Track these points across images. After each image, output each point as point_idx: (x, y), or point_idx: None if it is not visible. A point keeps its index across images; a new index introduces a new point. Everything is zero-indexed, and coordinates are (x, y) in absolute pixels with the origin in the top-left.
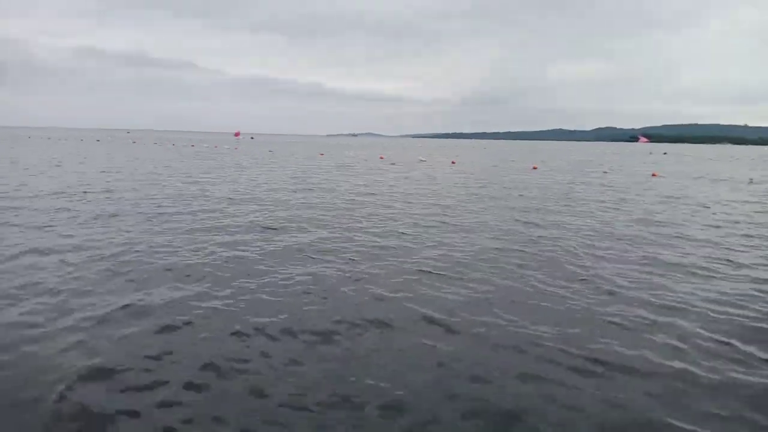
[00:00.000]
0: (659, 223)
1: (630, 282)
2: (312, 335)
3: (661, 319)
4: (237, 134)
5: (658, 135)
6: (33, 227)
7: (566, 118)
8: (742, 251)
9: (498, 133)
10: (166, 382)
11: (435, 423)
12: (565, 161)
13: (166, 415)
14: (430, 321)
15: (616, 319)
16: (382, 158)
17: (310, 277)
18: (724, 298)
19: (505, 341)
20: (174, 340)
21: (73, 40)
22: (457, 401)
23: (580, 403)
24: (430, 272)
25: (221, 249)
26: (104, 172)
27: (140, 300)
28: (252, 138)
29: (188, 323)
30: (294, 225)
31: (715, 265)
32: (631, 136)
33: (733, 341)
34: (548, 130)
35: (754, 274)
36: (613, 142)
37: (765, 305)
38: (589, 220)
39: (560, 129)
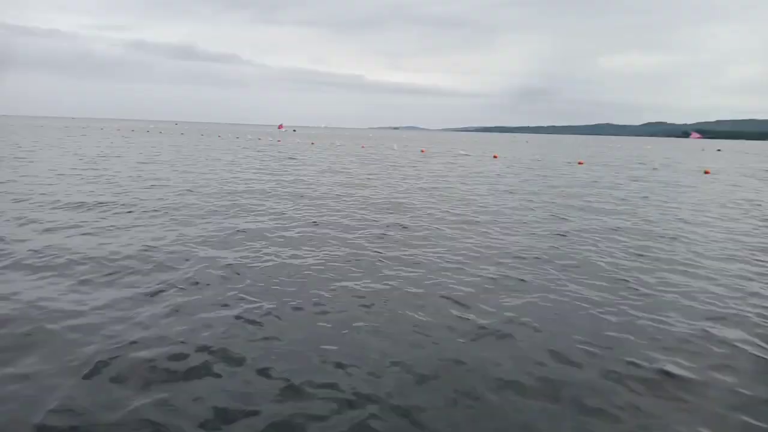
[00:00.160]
0: (705, 224)
1: (671, 288)
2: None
3: (709, 328)
4: (281, 126)
5: (711, 131)
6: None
7: (615, 112)
8: None
9: (542, 126)
10: None
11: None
12: (613, 157)
13: None
14: (460, 319)
15: (654, 326)
16: (423, 151)
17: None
18: None
19: (536, 349)
20: None
21: (128, 34)
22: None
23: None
24: (462, 269)
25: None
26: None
27: None
28: (294, 130)
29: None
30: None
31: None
32: (684, 132)
33: None
34: (595, 125)
35: None
36: (664, 138)
37: None
38: (633, 219)
39: (608, 123)
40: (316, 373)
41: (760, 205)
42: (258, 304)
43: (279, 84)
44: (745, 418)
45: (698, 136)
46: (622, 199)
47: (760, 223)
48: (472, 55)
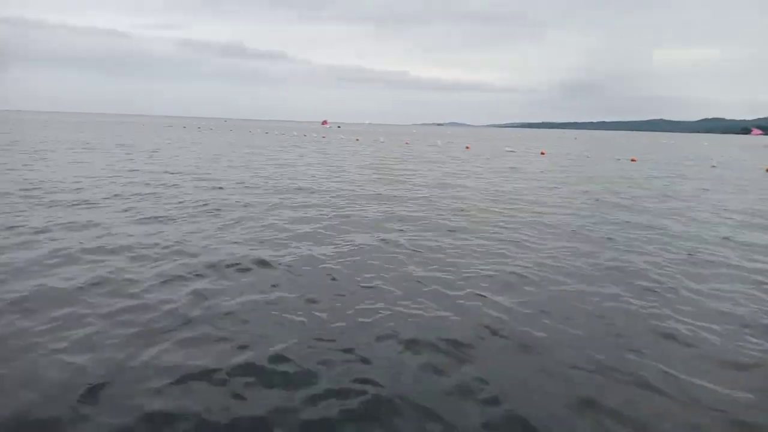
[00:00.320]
0: (761, 227)
1: (723, 296)
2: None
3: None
4: (325, 123)
5: None
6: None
7: (669, 108)
8: None
9: (590, 122)
10: None
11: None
12: (668, 153)
13: None
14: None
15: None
16: (468, 148)
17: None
18: None
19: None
20: None
21: (178, 32)
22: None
23: None
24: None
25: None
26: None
27: None
28: (339, 127)
29: None
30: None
31: None
32: (743, 128)
33: None
34: (648, 120)
35: None
36: (722, 134)
37: None
38: (687, 223)
39: (662, 119)
40: None
41: None
42: None
43: (323, 81)
44: None
45: (760, 132)
46: (681, 198)
47: None
48: (517, 50)
